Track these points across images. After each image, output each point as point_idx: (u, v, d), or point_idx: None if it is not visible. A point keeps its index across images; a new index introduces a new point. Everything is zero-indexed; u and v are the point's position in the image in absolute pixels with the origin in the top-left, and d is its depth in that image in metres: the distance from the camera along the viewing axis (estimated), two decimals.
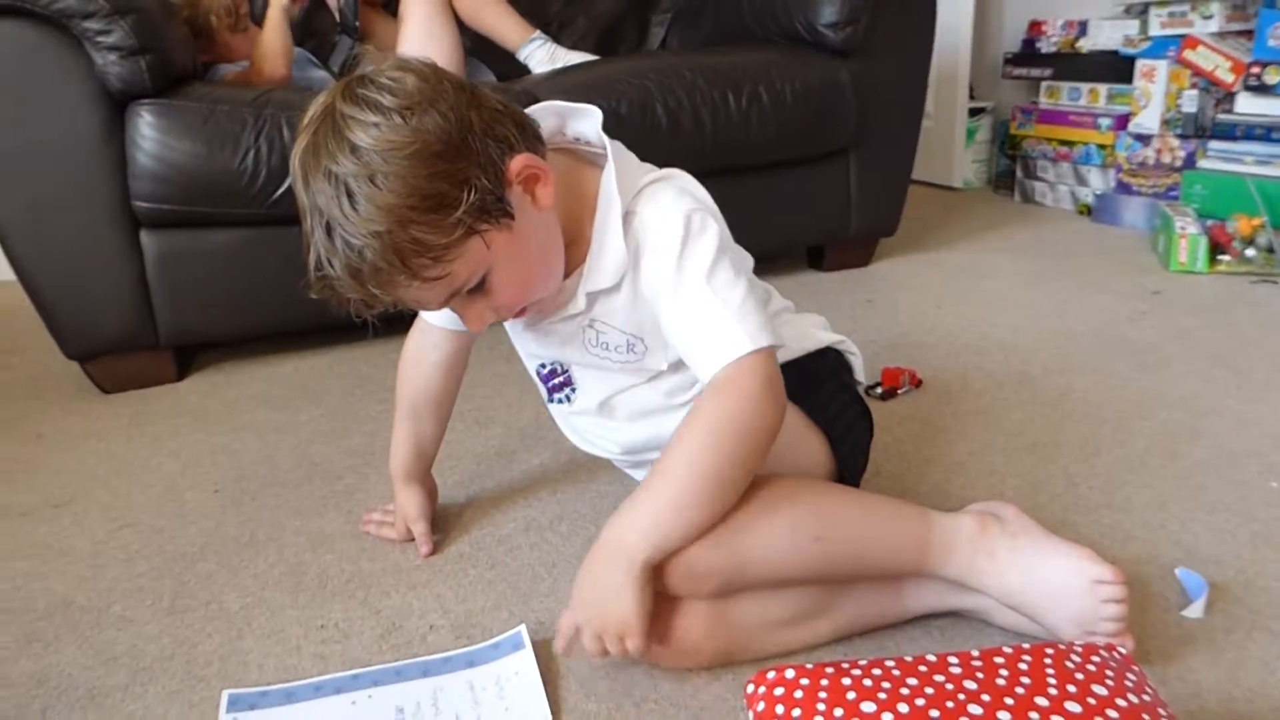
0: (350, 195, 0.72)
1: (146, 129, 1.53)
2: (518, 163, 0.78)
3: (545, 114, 0.88)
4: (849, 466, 0.97)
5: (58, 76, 1.49)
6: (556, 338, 0.94)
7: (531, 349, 0.99)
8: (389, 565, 1.05)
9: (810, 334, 1.00)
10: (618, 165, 0.84)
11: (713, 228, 0.83)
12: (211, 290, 1.65)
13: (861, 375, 1.04)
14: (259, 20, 1.92)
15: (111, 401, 1.62)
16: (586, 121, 0.88)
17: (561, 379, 0.98)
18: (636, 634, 0.76)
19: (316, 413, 1.51)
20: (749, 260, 0.94)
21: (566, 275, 0.88)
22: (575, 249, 0.87)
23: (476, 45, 2.13)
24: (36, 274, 1.55)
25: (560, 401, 1.00)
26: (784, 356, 0.91)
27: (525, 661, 0.85)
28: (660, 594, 0.80)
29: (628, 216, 0.84)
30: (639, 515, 0.78)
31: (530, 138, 0.82)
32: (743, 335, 0.79)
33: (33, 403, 1.63)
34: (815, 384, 0.96)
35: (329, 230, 0.74)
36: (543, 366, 0.99)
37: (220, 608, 0.99)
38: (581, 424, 1.02)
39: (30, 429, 1.51)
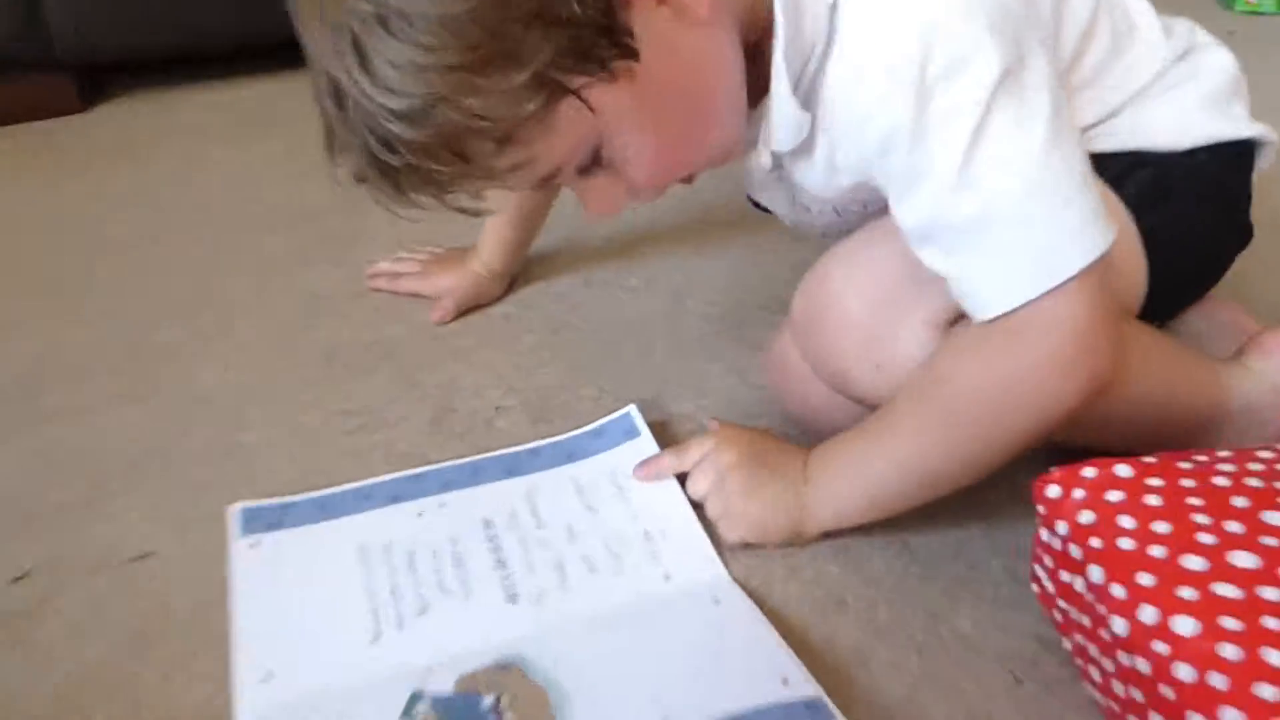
0: (361, 54, 0.45)
1: None
2: None
3: None
4: (1156, 309, 0.65)
5: None
6: (753, 177, 0.65)
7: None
8: (417, 328, 0.81)
9: (1194, 123, 0.64)
10: None
11: (979, 55, 0.48)
12: None
13: (1267, 160, 0.68)
14: None
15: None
16: None
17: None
18: (733, 529, 0.59)
19: (274, 147, 1.21)
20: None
21: (755, 104, 0.57)
22: (762, 68, 0.55)
23: None
24: None
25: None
26: (1142, 145, 0.62)
27: (645, 451, 0.63)
28: None
29: (828, 40, 0.52)
30: (835, 491, 0.59)
31: None
32: (1037, 269, 0.50)
33: None
34: (1170, 194, 0.63)
35: (340, 103, 0.47)
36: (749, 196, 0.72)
37: (200, 392, 0.73)
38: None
39: None
